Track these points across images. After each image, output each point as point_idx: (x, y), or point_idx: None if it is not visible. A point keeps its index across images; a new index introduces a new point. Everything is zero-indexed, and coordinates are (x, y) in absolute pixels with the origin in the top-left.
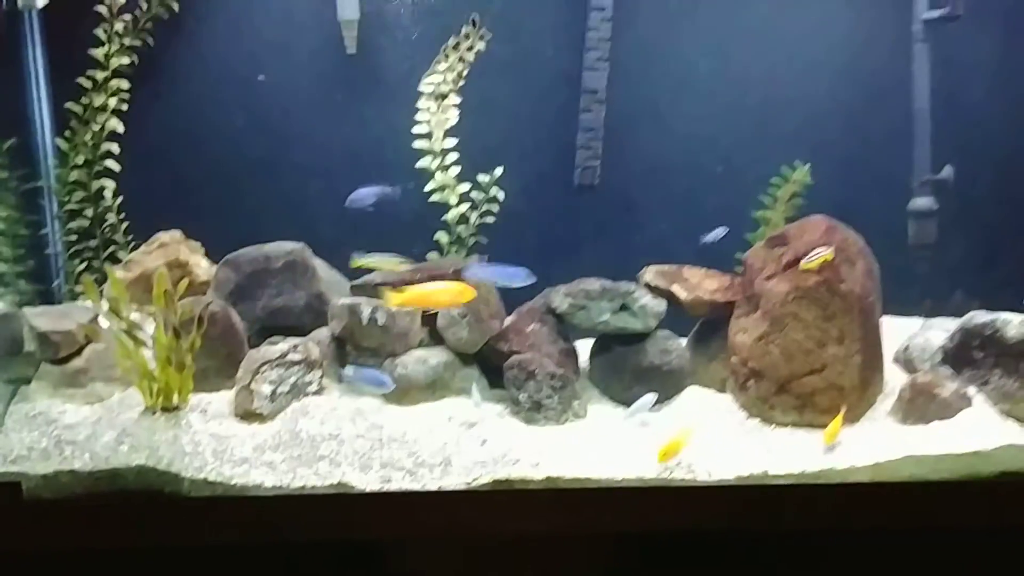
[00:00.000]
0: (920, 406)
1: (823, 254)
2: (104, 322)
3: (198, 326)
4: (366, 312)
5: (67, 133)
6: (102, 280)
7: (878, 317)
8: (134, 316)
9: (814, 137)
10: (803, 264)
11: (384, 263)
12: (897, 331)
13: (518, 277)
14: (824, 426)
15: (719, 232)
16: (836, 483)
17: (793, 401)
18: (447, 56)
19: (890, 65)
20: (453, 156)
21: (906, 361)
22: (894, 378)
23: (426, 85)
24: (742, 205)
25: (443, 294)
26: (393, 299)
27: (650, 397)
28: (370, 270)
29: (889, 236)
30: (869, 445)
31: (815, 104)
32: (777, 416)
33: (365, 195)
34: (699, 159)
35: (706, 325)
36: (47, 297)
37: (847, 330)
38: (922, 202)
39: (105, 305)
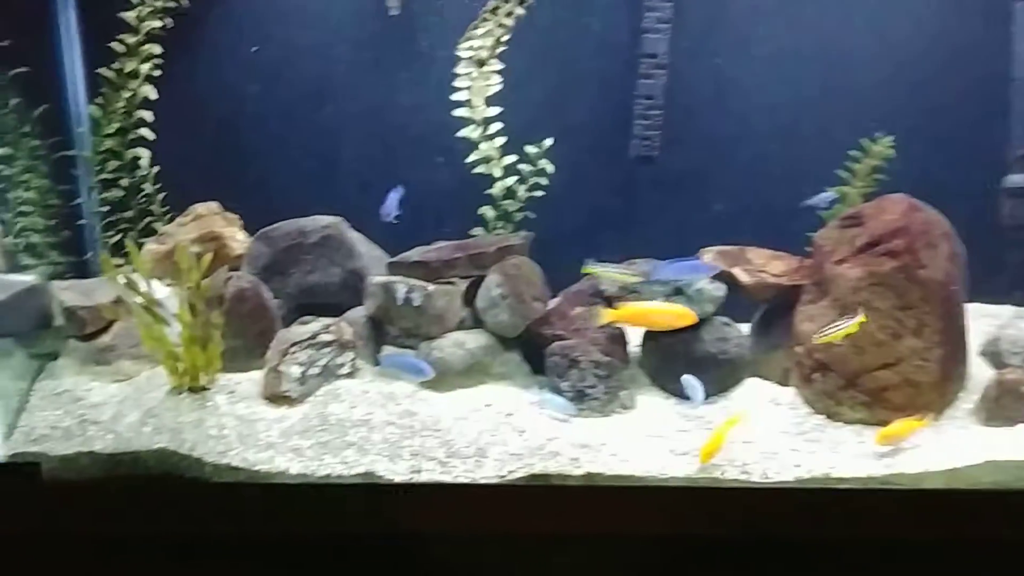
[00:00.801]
0: (1006, 406)
1: (854, 321)
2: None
3: (219, 304)
4: (401, 291)
5: (99, 100)
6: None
7: (962, 307)
8: (164, 292)
9: (897, 107)
10: (823, 337)
11: (618, 275)
12: (985, 322)
13: (703, 271)
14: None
15: (825, 197)
16: (907, 489)
17: (863, 397)
18: (486, 19)
19: (984, 27)
20: (496, 125)
21: (994, 355)
22: (979, 374)
23: (463, 50)
24: (815, 180)
25: (661, 315)
26: (607, 316)
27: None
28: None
29: (978, 217)
30: (946, 448)
31: (898, 70)
32: (844, 413)
33: (390, 205)
34: (768, 130)
35: (769, 311)
36: (81, 269)
37: (926, 321)
38: (1018, 178)
39: (122, 280)
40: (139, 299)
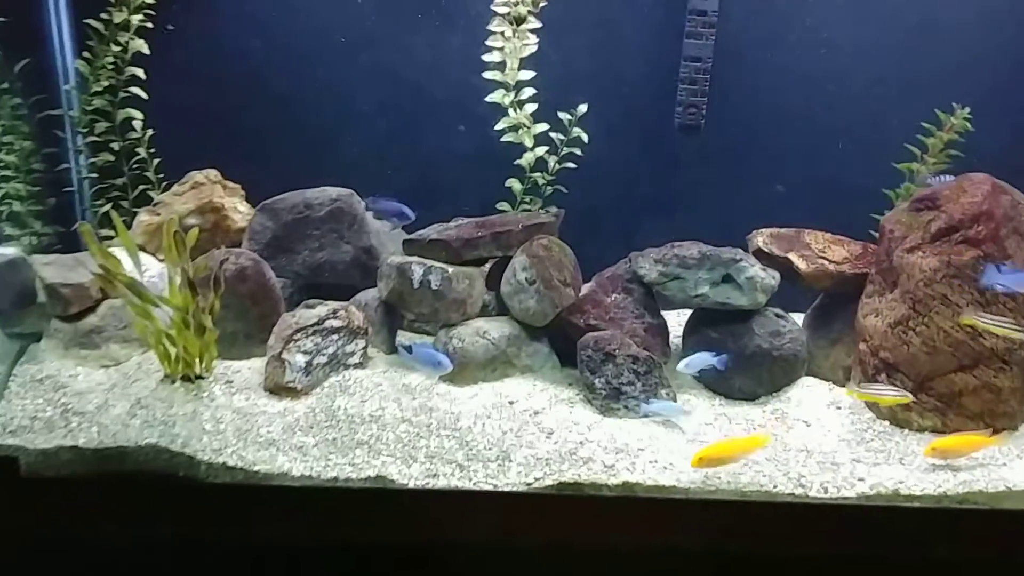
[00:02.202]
0: None
1: (896, 396)
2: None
3: (215, 286)
4: (418, 273)
5: (87, 54)
6: (131, 224)
7: None
8: (158, 267)
9: (975, 75)
10: (865, 393)
11: (1000, 328)
12: None
13: None
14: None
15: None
16: (985, 508)
17: (934, 402)
18: None
19: None
20: (530, 91)
21: None
22: None
23: (500, 5)
24: (880, 155)
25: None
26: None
27: (705, 356)
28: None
29: None
30: None
31: (977, 32)
32: (913, 420)
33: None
34: (828, 98)
35: (828, 302)
36: (68, 241)
37: (1010, 319)
38: None
39: (99, 257)
40: (119, 278)
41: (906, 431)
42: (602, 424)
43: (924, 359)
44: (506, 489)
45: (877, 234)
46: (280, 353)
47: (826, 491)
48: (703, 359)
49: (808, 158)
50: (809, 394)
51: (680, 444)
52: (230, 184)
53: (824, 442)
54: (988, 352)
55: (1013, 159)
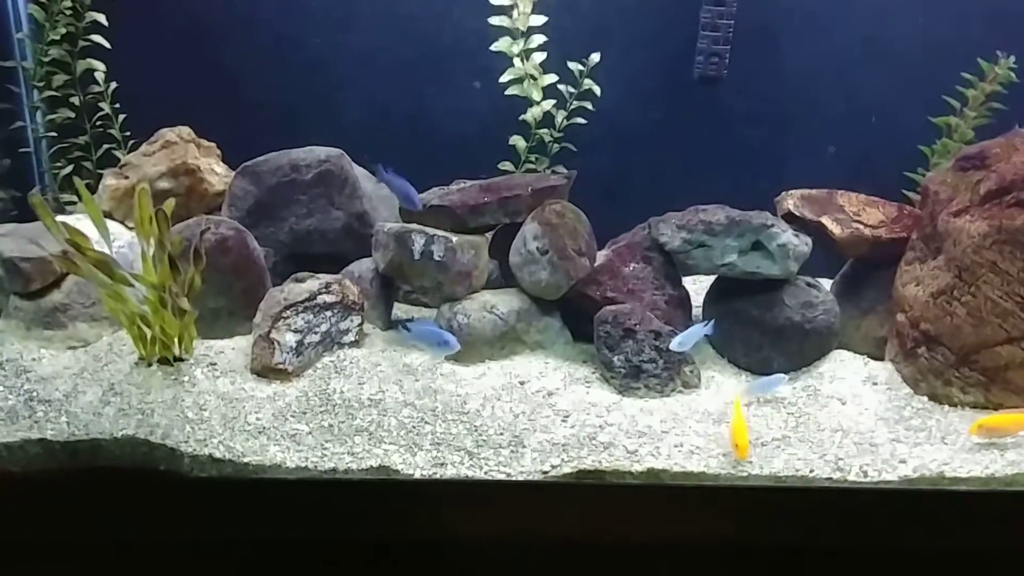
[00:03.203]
0: None
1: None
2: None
3: (194, 259)
4: (419, 243)
5: None
6: (96, 188)
7: None
8: (127, 236)
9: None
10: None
11: None
12: None
13: None
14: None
15: None
16: None
17: (978, 377)
18: None
19: None
20: (539, 39)
21: None
22: None
23: None
24: (916, 109)
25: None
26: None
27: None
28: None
29: None
30: None
31: None
32: (954, 395)
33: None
34: (861, 44)
35: (858, 269)
36: (26, 208)
37: None
38: None
39: (57, 233)
40: (85, 256)
41: (946, 407)
42: (622, 405)
43: (969, 331)
44: (520, 478)
45: (912, 194)
46: (268, 332)
47: (866, 475)
48: (696, 333)
49: (838, 112)
50: (842, 368)
51: (707, 426)
52: (205, 143)
53: (861, 421)
54: None
55: None
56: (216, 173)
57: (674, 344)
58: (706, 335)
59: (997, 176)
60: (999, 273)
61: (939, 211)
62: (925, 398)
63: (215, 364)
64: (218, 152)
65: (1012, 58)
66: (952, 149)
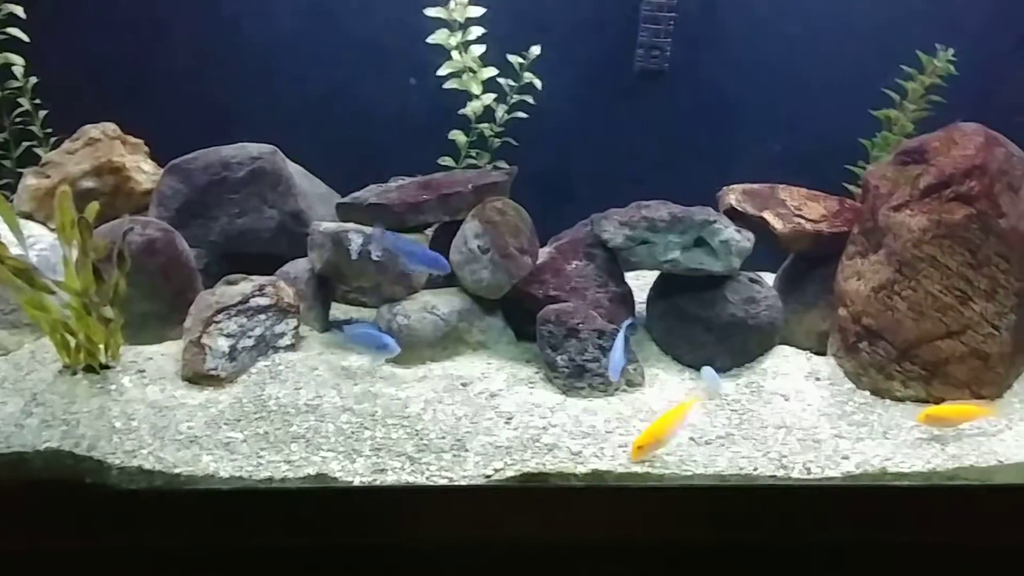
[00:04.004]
0: None
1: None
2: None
3: (119, 262)
4: (356, 243)
5: None
6: (15, 187)
7: None
8: (49, 239)
9: (960, 15)
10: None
11: None
12: None
13: None
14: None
15: None
16: (979, 484)
17: (918, 371)
18: None
19: None
20: (478, 31)
21: None
22: None
23: None
24: (856, 102)
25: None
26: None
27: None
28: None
29: None
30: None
31: None
32: (895, 389)
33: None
34: (803, 37)
35: (800, 264)
36: None
37: (1002, 281)
38: None
39: None
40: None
41: (888, 402)
42: (566, 405)
43: (910, 325)
44: (463, 483)
45: (853, 187)
46: (199, 337)
47: (809, 471)
48: (619, 349)
49: (781, 105)
50: (785, 364)
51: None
52: (132, 139)
53: (804, 417)
54: (978, 317)
55: (1003, 108)
56: (143, 171)
57: (611, 374)
58: (651, 336)
59: (936, 170)
60: (939, 267)
61: (879, 205)
62: (867, 392)
63: (144, 371)
64: (146, 149)
65: (951, 51)
66: (892, 142)
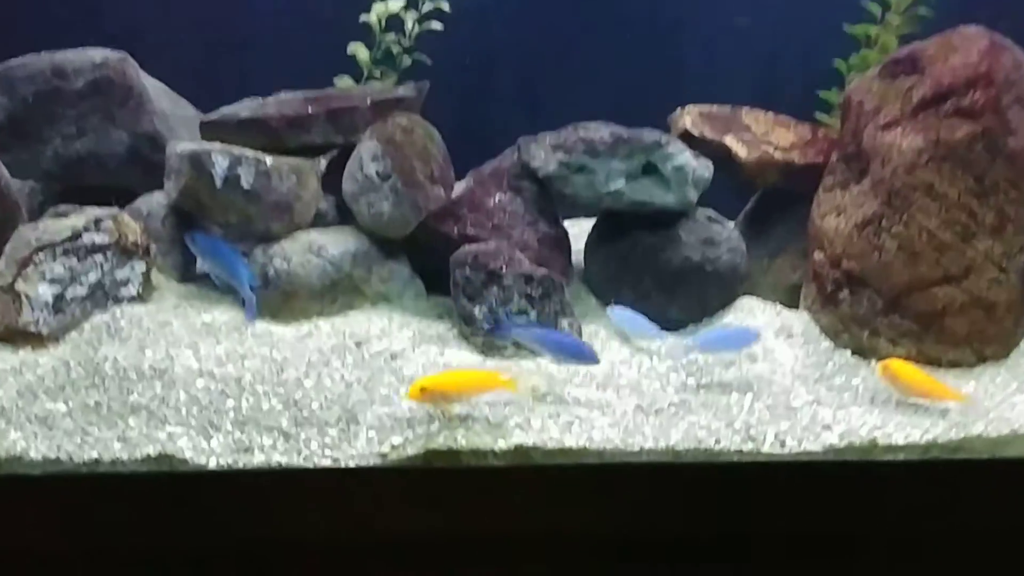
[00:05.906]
0: None
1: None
2: None
3: None
4: (221, 166)
5: None
6: None
7: None
8: None
9: None
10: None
11: None
12: None
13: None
14: (955, 365)
15: None
16: (987, 458)
17: (909, 325)
18: None
19: None
20: None
21: None
22: None
23: None
24: (828, 16)
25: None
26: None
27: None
28: None
29: None
30: None
31: None
32: (881, 347)
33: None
34: None
35: (769, 202)
36: None
37: (1011, 213)
38: None
39: None
40: None
41: (873, 362)
42: (485, 368)
43: (900, 268)
44: (351, 464)
45: (826, 116)
46: (12, 282)
47: (783, 444)
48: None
49: (742, 14)
50: (750, 319)
51: (590, 391)
52: None
53: (774, 380)
54: (982, 258)
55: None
56: None
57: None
58: (589, 287)
59: (932, 81)
60: (936, 197)
61: (864, 125)
62: (848, 352)
63: None
64: None
65: None
66: (873, 62)
